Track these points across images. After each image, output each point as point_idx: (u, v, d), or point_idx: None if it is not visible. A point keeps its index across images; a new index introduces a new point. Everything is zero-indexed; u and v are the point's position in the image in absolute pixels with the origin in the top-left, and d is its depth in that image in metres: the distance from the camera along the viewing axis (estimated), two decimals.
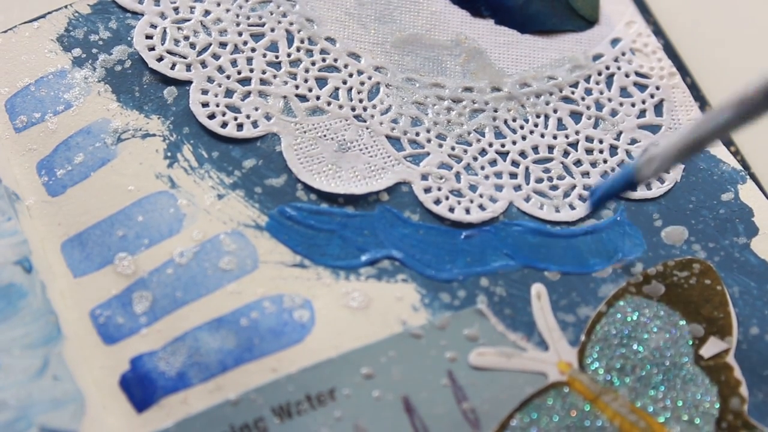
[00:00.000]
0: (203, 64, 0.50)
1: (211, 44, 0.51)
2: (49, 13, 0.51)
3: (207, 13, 0.52)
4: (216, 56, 0.50)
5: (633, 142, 0.51)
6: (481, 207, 0.48)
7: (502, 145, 0.50)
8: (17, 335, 0.42)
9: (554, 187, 0.49)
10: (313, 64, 0.51)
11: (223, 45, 0.51)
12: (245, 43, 0.51)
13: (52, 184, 0.47)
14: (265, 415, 0.41)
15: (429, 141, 0.49)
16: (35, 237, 0.45)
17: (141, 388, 0.42)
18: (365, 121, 0.49)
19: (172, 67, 0.50)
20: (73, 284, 0.44)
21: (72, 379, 0.42)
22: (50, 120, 0.48)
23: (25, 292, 0.43)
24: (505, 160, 0.49)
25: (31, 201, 0.46)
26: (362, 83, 0.50)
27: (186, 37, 0.51)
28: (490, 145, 0.49)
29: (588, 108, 0.51)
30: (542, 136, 0.50)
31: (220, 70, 0.50)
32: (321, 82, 0.50)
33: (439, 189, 0.48)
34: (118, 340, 0.43)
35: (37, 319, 0.43)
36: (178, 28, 0.51)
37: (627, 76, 0.53)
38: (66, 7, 0.51)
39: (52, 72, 0.50)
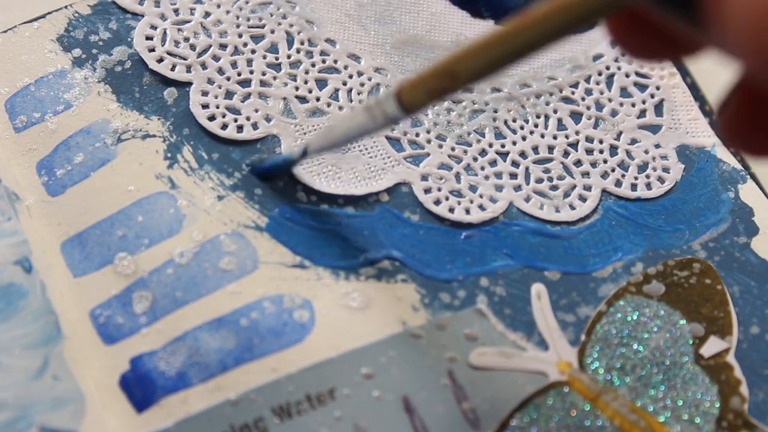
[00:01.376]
0: (203, 66, 0.50)
1: (211, 46, 0.51)
2: (49, 13, 0.51)
3: (207, 14, 0.52)
4: (216, 58, 0.50)
5: (633, 142, 0.51)
6: (481, 207, 0.48)
7: (502, 146, 0.50)
8: (17, 335, 0.42)
9: (554, 188, 0.49)
10: (313, 65, 0.51)
11: (223, 47, 0.51)
12: (245, 44, 0.51)
13: (51, 184, 0.47)
14: (265, 414, 0.41)
15: (429, 142, 0.49)
16: (35, 237, 0.45)
17: (141, 387, 0.42)
18: None
19: (173, 69, 0.50)
20: (73, 284, 0.44)
21: (72, 379, 0.42)
22: (50, 120, 0.48)
23: (25, 292, 0.43)
24: (505, 161, 0.49)
25: (31, 201, 0.46)
26: (362, 84, 0.51)
27: (186, 39, 0.51)
28: (490, 145, 0.49)
29: (588, 108, 0.51)
30: (542, 136, 0.50)
31: (220, 71, 0.50)
32: (321, 83, 0.50)
33: (439, 189, 0.48)
34: (118, 340, 0.43)
35: (37, 319, 0.42)
36: (179, 30, 0.51)
37: (627, 76, 0.53)
38: (66, 7, 0.51)
39: (52, 72, 0.50)
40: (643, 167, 0.50)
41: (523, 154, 0.50)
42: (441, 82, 0.35)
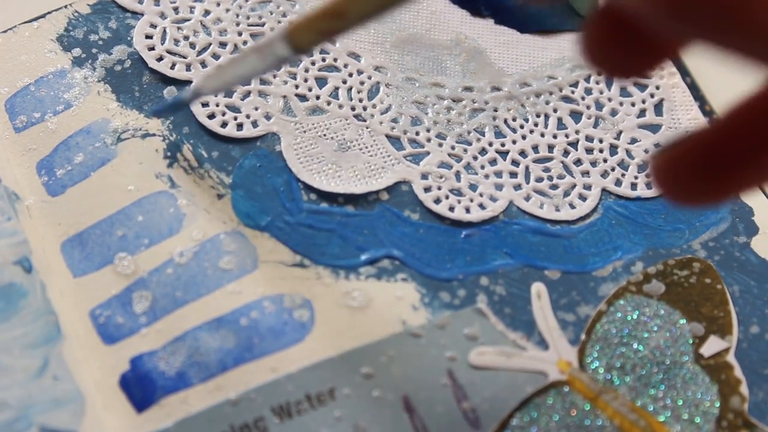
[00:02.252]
0: (203, 64, 0.50)
1: (210, 44, 0.51)
2: (48, 13, 0.51)
3: (207, 12, 0.52)
4: (216, 56, 0.50)
5: (633, 141, 0.51)
6: (481, 206, 0.48)
7: (502, 145, 0.50)
8: (17, 335, 0.42)
9: (554, 186, 0.49)
10: (313, 63, 0.51)
11: (222, 45, 0.51)
12: (245, 42, 0.51)
13: (51, 184, 0.47)
14: (265, 414, 0.41)
15: (429, 140, 0.49)
16: (35, 237, 0.45)
17: (141, 387, 0.42)
18: (365, 121, 0.49)
19: (172, 67, 0.50)
20: (73, 284, 0.44)
21: (72, 378, 0.42)
22: (50, 120, 0.48)
23: (25, 291, 0.43)
24: (505, 160, 0.49)
25: (31, 201, 0.46)
26: (362, 83, 0.50)
27: (186, 37, 0.51)
28: (490, 144, 0.49)
29: (588, 107, 0.51)
30: (542, 135, 0.50)
31: None
32: (321, 81, 0.50)
33: (439, 188, 0.48)
34: (118, 340, 0.43)
35: (37, 319, 0.42)
36: (178, 28, 0.51)
37: None
38: (66, 6, 0.51)
39: (52, 72, 0.49)
40: (643, 166, 0.50)
41: (523, 153, 0.50)
42: (331, 22, 0.36)
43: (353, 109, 0.49)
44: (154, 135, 0.48)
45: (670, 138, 0.29)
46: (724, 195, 0.28)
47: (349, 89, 0.50)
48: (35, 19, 0.51)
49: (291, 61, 0.39)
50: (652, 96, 0.52)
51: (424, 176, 0.48)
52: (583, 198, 0.49)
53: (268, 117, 0.49)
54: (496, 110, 0.50)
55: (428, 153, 0.49)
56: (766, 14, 0.22)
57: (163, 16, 0.51)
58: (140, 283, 0.44)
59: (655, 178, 0.29)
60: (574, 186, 0.49)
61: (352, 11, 0.34)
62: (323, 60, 0.51)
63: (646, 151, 0.50)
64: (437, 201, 0.47)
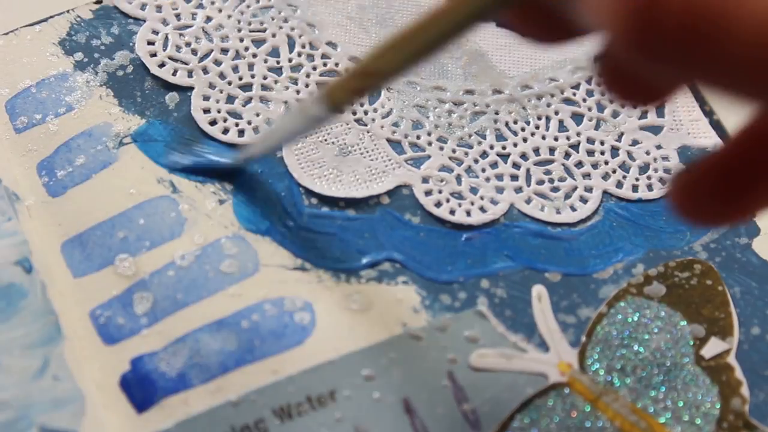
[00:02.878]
0: (205, 70, 0.50)
1: (212, 50, 0.51)
2: (51, 17, 0.51)
3: (209, 19, 0.52)
4: (217, 62, 0.51)
5: (635, 143, 0.51)
6: (482, 209, 0.48)
7: (503, 148, 0.50)
8: (17, 335, 0.42)
9: (555, 189, 0.49)
10: (315, 68, 0.51)
11: (224, 51, 0.51)
12: (247, 48, 0.51)
13: (52, 185, 0.47)
14: (265, 416, 0.41)
15: (430, 144, 0.49)
16: (35, 237, 0.45)
17: (141, 388, 0.42)
18: (366, 125, 0.49)
19: (174, 73, 0.50)
20: (73, 284, 0.44)
21: (72, 379, 0.41)
22: (51, 122, 0.48)
23: (25, 292, 0.43)
24: (506, 163, 0.49)
25: (31, 201, 0.46)
26: None
27: (188, 44, 0.51)
28: (491, 147, 0.49)
29: (589, 109, 0.51)
30: (543, 138, 0.50)
31: (222, 76, 0.50)
32: (322, 87, 0.50)
33: (440, 191, 0.48)
34: (119, 341, 0.43)
35: (37, 319, 0.42)
36: (180, 35, 0.51)
37: None
38: (68, 11, 0.52)
39: (54, 75, 0.50)
40: (644, 168, 0.50)
41: (524, 156, 0.50)
42: (362, 81, 0.37)
43: (354, 113, 0.50)
44: (156, 141, 0.48)
45: (687, 161, 0.30)
46: (740, 216, 0.29)
47: None
48: (37, 23, 0.51)
49: (327, 121, 0.40)
50: None
51: (425, 180, 0.48)
52: (584, 200, 0.48)
53: (269, 123, 0.49)
54: (497, 113, 0.51)
55: (429, 157, 0.49)
56: (746, 46, 0.22)
57: (165, 22, 0.51)
58: (141, 285, 0.44)
59: (673, 200, 0.29)
60: (575, 188, 0.49)
61: (381, 70, 0.36)
62: (324, 65, 0.51)
63: (647, 153, 0.50)
64: (438, 204, 0.47)
